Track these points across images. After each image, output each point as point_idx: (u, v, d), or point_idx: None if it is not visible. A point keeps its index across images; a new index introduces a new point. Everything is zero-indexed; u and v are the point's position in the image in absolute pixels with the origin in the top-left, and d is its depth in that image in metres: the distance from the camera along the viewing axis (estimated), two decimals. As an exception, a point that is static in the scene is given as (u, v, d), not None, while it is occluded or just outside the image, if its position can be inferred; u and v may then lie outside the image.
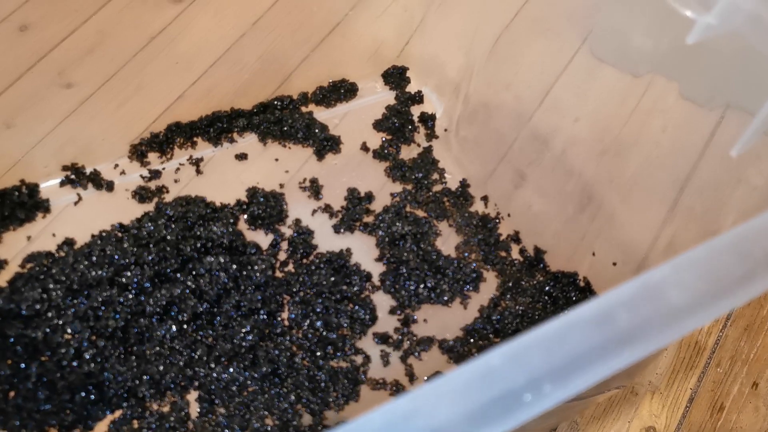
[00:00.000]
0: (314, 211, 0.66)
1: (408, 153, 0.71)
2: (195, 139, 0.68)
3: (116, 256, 0.57)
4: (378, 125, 0.72)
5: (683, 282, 0.29)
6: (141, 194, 0.65)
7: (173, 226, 0.60)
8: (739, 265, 0.30)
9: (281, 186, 0.67)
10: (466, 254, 0.64)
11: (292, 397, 0.56)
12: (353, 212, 0.66)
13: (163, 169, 0.67)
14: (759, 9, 0.40)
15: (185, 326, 0.57)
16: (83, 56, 0.64)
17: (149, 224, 0.60)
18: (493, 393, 0.26)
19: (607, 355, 0.28)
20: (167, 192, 0.66)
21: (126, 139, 0.67)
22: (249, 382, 0.56)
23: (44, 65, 0.63)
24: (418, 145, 0.71)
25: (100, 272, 0.56)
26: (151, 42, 0.66)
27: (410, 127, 0.72)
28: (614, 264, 0.58)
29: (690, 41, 0.41)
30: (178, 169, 0.67)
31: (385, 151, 0.70)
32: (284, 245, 0.64)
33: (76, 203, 0.64)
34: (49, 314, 0.55)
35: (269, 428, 0.54)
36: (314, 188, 0.67)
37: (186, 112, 0.68)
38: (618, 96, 0.57)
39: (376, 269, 0.63)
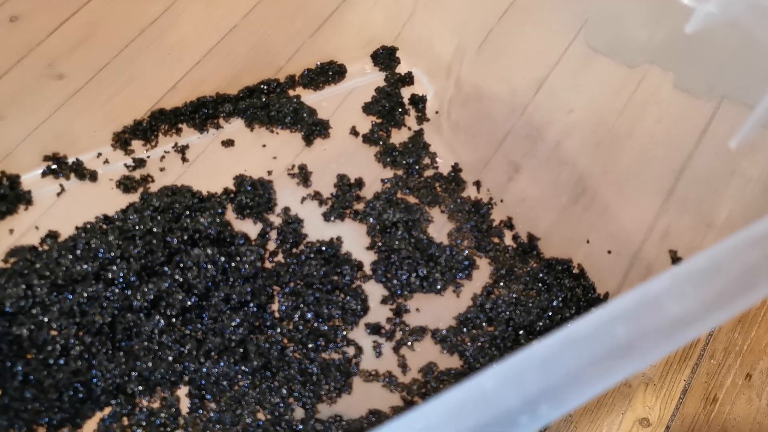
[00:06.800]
0: (303, 199, 0.65)
1: (398, 137, 0.69)
2: (180, 125, 0.67)
3: (101, 250, 0.56)
4: (367, 108, 0.70)
5: (682, 293, 0.28)
6: (125, 184, 0.63)
7: (159, 217, 0.59)
8: (738, 273, 0.29)
9: (269, 173, 0.66)
10: (459, 241, 0.63)
11: (284, 391, 0.55)
12: (343, 199, 0.64)
13: (148, 157, 0.65)
14: (760, -4, 0.38)
15: (174, 320, 0.56)
16: (74, 48, 0.63)
17: (134, 216, 0.59)
18: (487, 416, 0.25)
19: (605, 371, 0.27)
20: (152, 181, 0.64)
21: (115, 130, 0.65)
22: (240, 377, 0.55)
23: (34, 57, 0.62)
24: (409, 129, 0.70)
25: (85, 266, 0.55)
26: (142, 33, 0.64)
27: (400, 110, 0.70)
28: (609, 252, 0.58)
29: (688, 30, 0.40)
30: (163, 157, 0.65)
31: (375, 136, 0.68)
32: (273, 234, 0.62)
33: (59, 194, 0.63)
34: (34, 311, 0.54)
35: (261, 423, 0.54)
36: (303, 175, 0.66)
37: (177, 103, 0.67)
38: (613, 87, 0.56)
39: (367, 258, 0.62)
